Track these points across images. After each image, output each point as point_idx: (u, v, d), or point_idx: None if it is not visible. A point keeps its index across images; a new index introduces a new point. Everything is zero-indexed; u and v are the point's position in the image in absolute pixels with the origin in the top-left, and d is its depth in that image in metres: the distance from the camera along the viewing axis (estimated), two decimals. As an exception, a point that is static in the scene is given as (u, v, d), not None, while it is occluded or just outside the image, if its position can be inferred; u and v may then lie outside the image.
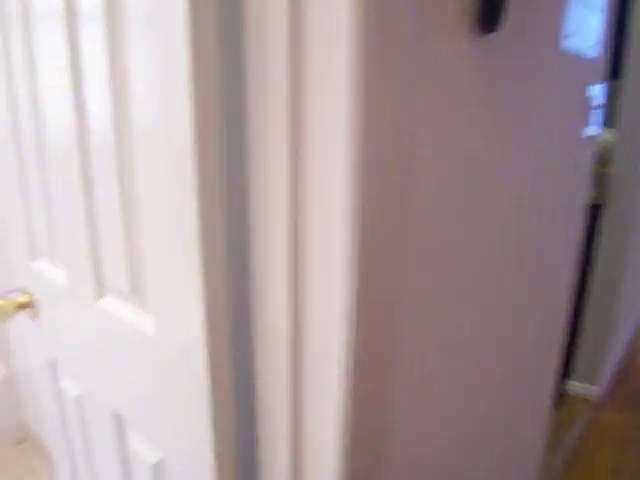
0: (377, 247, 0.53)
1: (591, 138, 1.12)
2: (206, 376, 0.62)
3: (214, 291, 0.59)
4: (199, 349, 0.61)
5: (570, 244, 1.18)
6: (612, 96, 2.06)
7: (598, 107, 1.11)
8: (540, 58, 0.81)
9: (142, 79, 0.58)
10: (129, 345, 0.76)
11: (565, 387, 2.51)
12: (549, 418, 1.43)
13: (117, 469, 0.93)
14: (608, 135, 2.18)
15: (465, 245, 0.73)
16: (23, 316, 1.11)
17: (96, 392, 0.92)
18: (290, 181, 0.52)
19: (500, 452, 1.12)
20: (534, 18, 0.75)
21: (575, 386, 2.50)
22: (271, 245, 0.56)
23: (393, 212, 0.54)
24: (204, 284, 0.58)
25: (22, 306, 1.04)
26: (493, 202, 0.78)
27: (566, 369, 2.48)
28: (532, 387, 1.21)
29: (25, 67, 0.84)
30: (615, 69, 2.10)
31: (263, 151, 0.54)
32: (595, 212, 2.25)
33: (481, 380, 0.91)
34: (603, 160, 2.19)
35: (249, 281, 0.61)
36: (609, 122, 2.15)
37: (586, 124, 1.06)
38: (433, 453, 0.82)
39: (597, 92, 1.09)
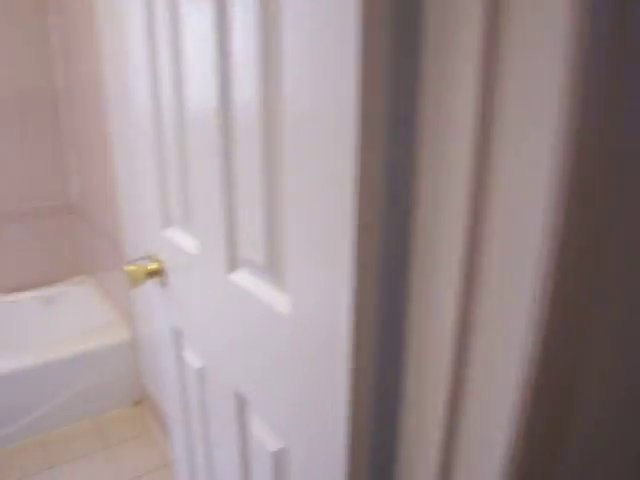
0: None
1: None
2: (346, 365, 0.54)
3: (365, 277, 0.51)
4: (342, 337, 0.54)
5: None
6: None
7: None
8: None
9: (298, 63, 0.50)
10: (258, 323, 0.71)
11: None
12: None
13: (234, 450, 0.89)
14: None
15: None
16: (152, 283, 1.11)
17: (219, 368, 0.89)
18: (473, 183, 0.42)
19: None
20: None
21: None
22: (440, 247, 0.47)
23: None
24: (355, 268, 0.50)
25: (152, 273, 1.04)
26: None
27: None
28: None
29: (168, 38, 0.81)
30: None
31: (439, 142, 0.45)
32: None
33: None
34: None
35: (404, 277, 0.52)
36: None
37: None
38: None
39: None
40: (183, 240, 0.91)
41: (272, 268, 0.67)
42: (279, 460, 0.76)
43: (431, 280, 0.49)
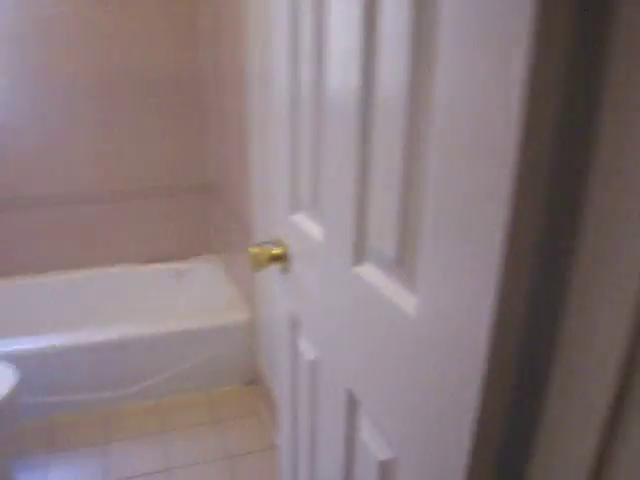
0: None
1: None
2: (478, 381, 0.48)
3: (512, 286, 0.44)
4: (477, 350, 0.47)
5: None
6: None
7: None
8: None
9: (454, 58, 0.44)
10: (380, 322, 0.66)
11: None
12: None
13: (339, 451, 0.85)
14: None
15: None
16: (275, 268, 1.11)
17: (333, 362, 0.85)
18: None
19: None
20: None
21: None
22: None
23: None
24: (502, 275, 0.43)
25: (275, 258, 1.03)
26: None
27: None
28: None
29: (312, 20, 0.78)
30: None
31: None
32: None
33: None
34: None
35: (561, 288, 0.44)
36: None
37: None
38: None
39: None
40: (309, 227, 0.89)
41: (402, 265, 0.62)
42: (387, 470, 0.71)
43: (599, 292, 0.41)
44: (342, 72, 0.70)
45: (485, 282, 0.45)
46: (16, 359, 1.73)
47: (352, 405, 0.79)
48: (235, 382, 2.31)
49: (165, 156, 2.63)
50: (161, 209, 2.71)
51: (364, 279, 0.69)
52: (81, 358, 2.09)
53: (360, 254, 0.71)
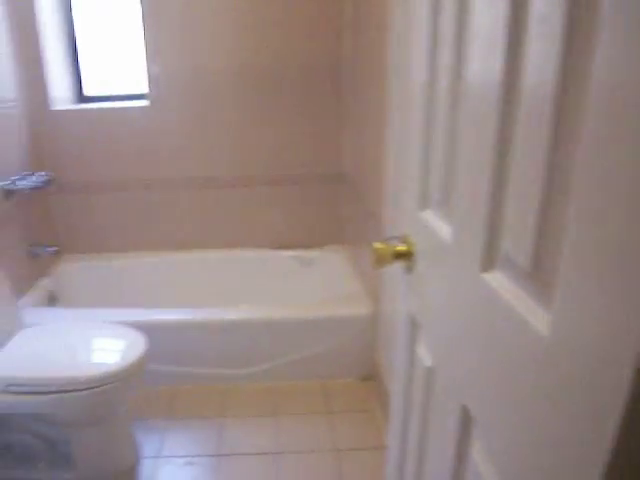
0: None
1: None
2: (617, 419, 0.40)
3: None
4: (621, 384, 0.39)
5: None
6: None
7: None
8: None
9: None
10: (506, 337, 0.59)
11: None
12: None
13: (449, 463, 0.79)
14: None
15: None
16: (398, 266, 1.06)
17: (450, 373, 0.79)
18: None
19: None
20: None
21: None
22: None
23: None
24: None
25: (399, 255, 0.99)
26: None
27: None
28: None
29: (455, 10, 0.72)
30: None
31: None
32: None
33: None
34: None
35: None
36: None
37: None
38: None
39: None
40: (438, 225, 0.83)
41: (536, 276, 0.54)
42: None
43: None
44: (484, 58, 0.64)
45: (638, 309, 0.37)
46: (147, 329, 1.87)
47: (466, 423, 0.73)
48: (351, 376, 2.30)
49: (301, 144, 2.69)
50: (293, 196, 2.78)
51: (492, 287, 0.62)
52: (207, 334, 2.22)
53: (490, 260, 0.64)
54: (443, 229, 0.80)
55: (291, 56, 2.52)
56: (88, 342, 1.83)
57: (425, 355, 0.92)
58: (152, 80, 2.53)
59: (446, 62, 0.78)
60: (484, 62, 0.64)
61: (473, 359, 0.69)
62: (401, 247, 0.98)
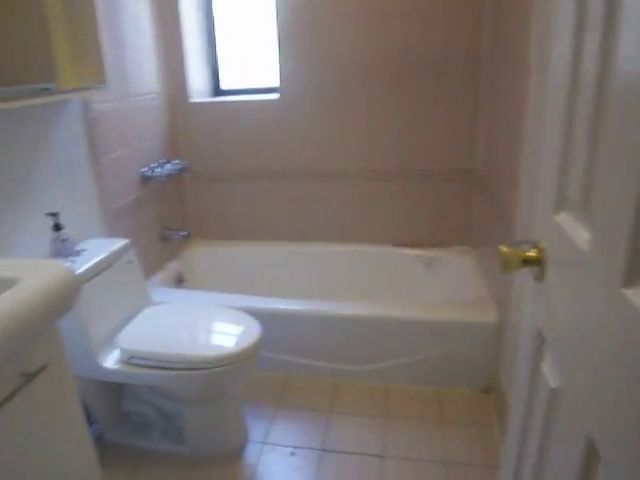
0: None
1: None
2: None
3: None
4: None
5: None
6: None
7: None
8: None
9: None
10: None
11: None
12: None
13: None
14: None
15: None
16: (527, 273, 0.97)
17: (576, 398, 0.70)
18: None
19: None
20: None
21: None
22: None
23: None
24: None
25: (528, 261, 0.90)
26: None
27: None
28: None
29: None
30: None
31: None
32: None
33: None
34: None
35: None
36: None
37: None
38: None
39: None
40: (574, 230, 0.73)
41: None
42: None
43: None
44: (638, 43, 0.54)
45: None
46: (264, 316, 1.92)
47: (590, 457, 0.63)
48: (469, 386, 2.17)
49: (432, 139, 2.58)
50: (420, 192, 2.68)
51: (634, 305, 0.53)
52: (322, 327, 2.22)
53: (634, 274, 0.55)
54: (580, 235, 0.71)
55: (425, 47, 2.43)
56: (207, 324, 1.92)
57: (551, 375, 0.83)
58: (283, 74, 2.60)
59: (592, 48, 0.68)
60: (637, 48, 0.54)
61: (605, 386, 0.60)
62: (530, 252, 0.89)
